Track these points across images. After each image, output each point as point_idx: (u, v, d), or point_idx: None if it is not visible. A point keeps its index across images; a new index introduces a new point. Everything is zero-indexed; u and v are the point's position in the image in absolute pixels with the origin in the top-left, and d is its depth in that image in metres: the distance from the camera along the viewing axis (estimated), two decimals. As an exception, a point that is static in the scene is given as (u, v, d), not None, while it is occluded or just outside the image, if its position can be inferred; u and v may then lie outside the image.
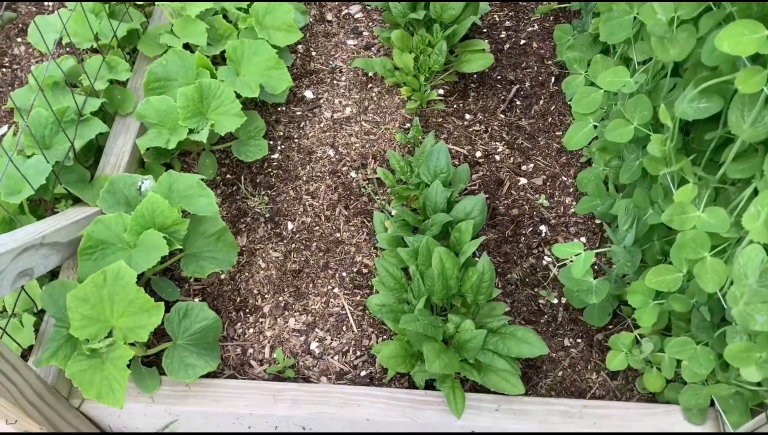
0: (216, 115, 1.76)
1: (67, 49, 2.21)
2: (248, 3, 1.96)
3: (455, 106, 2.14)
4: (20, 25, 2.31)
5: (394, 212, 1.84)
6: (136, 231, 1.49)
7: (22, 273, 1.27)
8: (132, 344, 1.43)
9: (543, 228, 1.84)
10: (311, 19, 2.37)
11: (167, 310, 1.49)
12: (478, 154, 2.01)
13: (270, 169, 1.98)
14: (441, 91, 2.17)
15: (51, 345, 1.35)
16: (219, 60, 2.01)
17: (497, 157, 2.00)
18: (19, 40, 2.27)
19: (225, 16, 1.97)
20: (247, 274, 1.78)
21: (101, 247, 1.46)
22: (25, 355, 1.54)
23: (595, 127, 1.61)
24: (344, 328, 1.70)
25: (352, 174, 1.98)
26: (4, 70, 2.19)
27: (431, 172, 1.78)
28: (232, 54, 1.85)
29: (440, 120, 2.11)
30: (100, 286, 1.34)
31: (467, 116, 2.11)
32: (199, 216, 1.58)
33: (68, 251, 1.46)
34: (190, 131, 1.73)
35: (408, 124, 2.10)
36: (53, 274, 1.59)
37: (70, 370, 1.31)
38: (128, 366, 1.34)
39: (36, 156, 1.54)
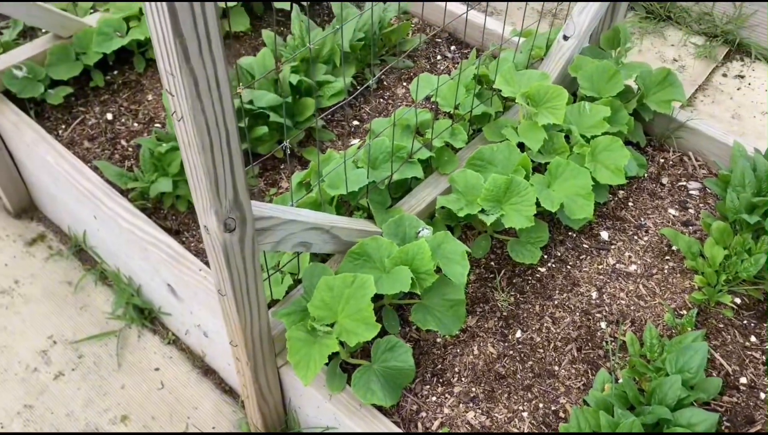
0: (510, 209, 1.90)
1: (427, 105, 2.60)
2: (592, 135, 2.08)
3: (745, 322, 1.96)
4: (411, 74, 2.78)
5: (620, 380, 1.76)
6: (395, 262, 1.70)
7: (303, 243, 1.56)
8: (341, 343, 1.62)
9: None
10: (646, 174, 2.40)
11: (381, 336, 1.66)
12: (743, 380, 1.81)
13: (530, 278, 2.06)
14: (737, 301, 2.00)
15: (290, 307, 1.62)
16: (540, 169, 2.17)
17: (761, 395, 1.78)
18: (404, 84, 2.74)
19: (567, 137, 2.12)
20: (458, 350, 1.87)
21: (365, 258, 1.70)
22: (270, 305, 1.85)
23: None
24: (512, 451, 1.68)
25: (602, 324, 1.95)
26: (381, 101, 2.66)
27: (676, 366, 1.67)
28: (553, 168, 1.98)
29: (720, 326, 1.95)
30: (347, 285, 1.57)
31: (753, 338, 1.92)
32: (447, 278, 1.73)
33: (341, 247, 1.72)
34: (483, 211, 1.90)
35: (684, 311, 1.98)
36: (322, 259, 1.89)
37: (290, 333, 1.55)
38: (329, 358, 1.54)
39: (362, 169, 1.86)
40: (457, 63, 2.82)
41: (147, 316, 2.34)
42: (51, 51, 2.39)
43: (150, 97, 2.56)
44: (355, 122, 2.55)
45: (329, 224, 1.63)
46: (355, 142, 2.47)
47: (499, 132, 2.17)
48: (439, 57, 2.86)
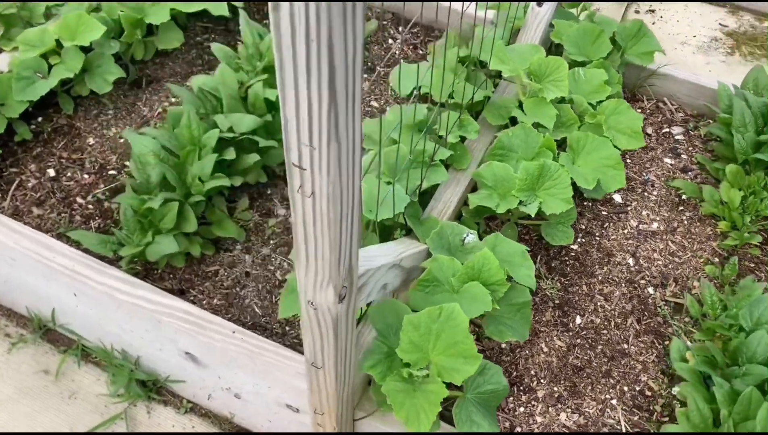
0: (545, 194, 1.81)
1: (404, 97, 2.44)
2: (597, 100, 2.03)
3: (773, 256, 2.02)
4: (368, 63, 2.60)
5: (690, 344, 1.75)
6: (463, 279, 1.57)
7: (383, 286, 1.38)
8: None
9: None
10: (629, 128, 2.39)
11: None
12: (793, 314, 1.86)
13: (566, 258, 2.00)
14: (759, 238, 2.05)
15: (372, 356, 1.45)
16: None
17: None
18: (365, 76, 2.55)
19: (572, 107, 2.05)
20: (527, 352, 1.78)
21: (434, 283, 1.55)
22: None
23: None
24: (616, 444, 1.62)
25: (650, 290, 1.93)
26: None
27: (752, 320, 1.68)
28: (573, 144, 1.91)
29: (752, 265, 2.00)
30: (433, 319, 1.42)
31: (784, 271, 1.98)
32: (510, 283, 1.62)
33: (405, 276, 1.56)
34: (520, 202, 1.80)
35: (717, 259, 2.01)
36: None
37: (386, 387, 1.39)
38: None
39: (396, 185, 1.69)
40: (412, 45, 2.67)
41: (152, 388, 2.06)
42: (-37, 109, 1.99)
43: (91, 142, 2.21)
44: (329, 127, 2.35)
45: (399, 256, 1.46)
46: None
47: (500, 114, 2.06)
48: (390, 41, 2.69)
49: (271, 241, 1.99)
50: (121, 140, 2.22)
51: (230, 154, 1.89)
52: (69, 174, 2.12)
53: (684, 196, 2.18)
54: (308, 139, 0.80)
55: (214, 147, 1.89)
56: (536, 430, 1.64)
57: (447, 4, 2.63)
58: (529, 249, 1.98)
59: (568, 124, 2.00)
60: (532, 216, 1.79)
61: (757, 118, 2.07)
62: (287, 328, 1.80)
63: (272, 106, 2.09)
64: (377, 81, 2.51)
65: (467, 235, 1.74)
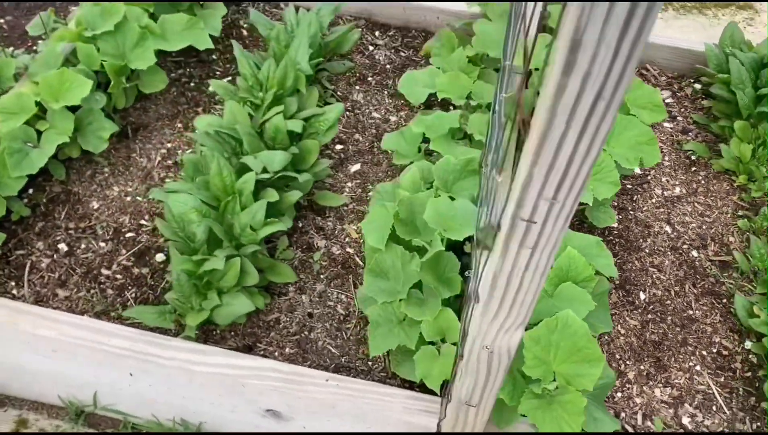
0: (595, 181, 1.84)
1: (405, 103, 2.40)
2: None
3: (788, 200, 2.15)
4: (357, 74, 2.53)
5: (755, 299, 1.85)
6: (554, 282, 1.58)
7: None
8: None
9: None
10: (622, 99, 2.47)
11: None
12: (824, 251, 2.00)
13: (611, 237, 2.04)
14: (772, 184, 2.18)
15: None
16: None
17: None
18: (357, 87, 2.48)
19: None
20: (607, 337, 1.82)
21: (533, 292, 1.54)
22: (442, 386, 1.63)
23: None
24: (714, 408, 1.69)
25: (693, 253, 2.01)
26: (348, 114, 2.40)
27: (807, 265, 1.78)
28: (604, 125, 1.95)
29: (772, 212, 2.12)
30: (552, 330, 1.42)
31: (802, 212, 2.12)
32: (595, 275, 1.65)
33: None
34: (573, 193, 1.82)
35: (740, 211, 2.12)
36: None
37: (523, 407, 1.37)
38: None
39: (463, 200, 1.66)
40: (393, 49, 2.62)
41: (219, 452, 1.95)
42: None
43: (95, 205, 2.04)
44: (338, 146, 2.28)
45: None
46: (356, 167, 2.21)
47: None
48: (371, 47, 2.63)
49: (322, 276, 1.92)
50: (128, 198, 2.06)
51: (273, 196, 1.79)
52: (83, 245, 1.95)
53: (693, 157, 2.28)
54: (553, 194, 0.76)
55: (253, 191, 1.79)
56: (639, 412, 1.68)
57: (424, 3, 2.61)
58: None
59: (590, 108, 2.04)
60: (590, 204, 1.81)
61: (751, 74, 2.19)
62: (371, 364, 1.75)
63: (293, 136, 2.00)
64: (371, 91, 2.46)
65: (534, 236, 1.74)
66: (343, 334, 1.81)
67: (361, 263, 1.95)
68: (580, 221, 2.03)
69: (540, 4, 1.52)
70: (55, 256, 1.92)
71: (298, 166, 2.01)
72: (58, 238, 1.96)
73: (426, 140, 2.05)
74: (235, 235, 1.75)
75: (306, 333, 1.80)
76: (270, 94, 2.05)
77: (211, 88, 2.29)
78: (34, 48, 2.49)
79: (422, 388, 1.66)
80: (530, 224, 0.81)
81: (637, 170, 2.23)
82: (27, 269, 1.88)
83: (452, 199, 1.72)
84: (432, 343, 1.61)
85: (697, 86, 2.51)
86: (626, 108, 2.01)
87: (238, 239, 1.75)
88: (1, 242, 1.84)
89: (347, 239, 2.01)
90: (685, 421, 1.67)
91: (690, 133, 2.36)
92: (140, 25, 2.10)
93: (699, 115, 2.39)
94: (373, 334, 1.64)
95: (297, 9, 2.55)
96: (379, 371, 1.73)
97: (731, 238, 2.05)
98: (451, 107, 2.18)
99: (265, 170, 1.84)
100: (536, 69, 0.77)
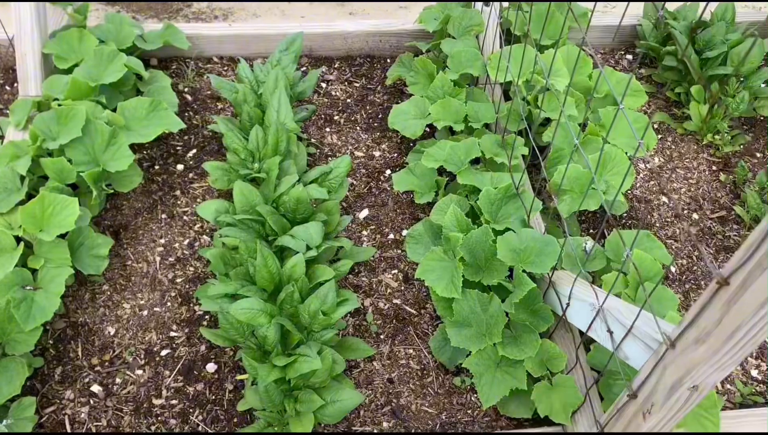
0: (614, 175, 1.94)
1: (393, 135, 2.36)
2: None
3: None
4: (322, 116, 2.44)
5: None
6: (634, 286, 1.65)
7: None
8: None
9: None
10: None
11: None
12: (794, 185, 2.25)
13: (624, 220, 2.16)
14: (742, 140, 2.40)
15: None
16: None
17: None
18: (327, 130, 2.40)
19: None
20: (661, 316, 1.93)
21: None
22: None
23: None
24: (771, 353, 1.87)
25: (695, 216, 2.18)
26: (330, 158, 2.31)
27: (804, 205, 2.00)
28: (605, 119, 2.05)
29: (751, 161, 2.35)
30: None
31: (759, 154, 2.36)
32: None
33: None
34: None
35: (714, 167, 2.33)
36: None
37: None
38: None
39: (527, 230, 1.68)
40: (350, 82, 2.56)
41: None
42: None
43: (111, 331, 1.82)
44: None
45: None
46: (364, 213, 2.15)
47: (514, 120, 2.12)
48: (323, 84, 2.55)
49: (382, 336, 1.86)
50: (144, 313, 1.86)
51: (328, 273, 1.70)
52: (118, 380, 1.74)
53: (655, 125, 2.46)
54: None
55: (305, 273, 1.69)
56: (717, 377, 1.81)
57: (363, 28, 2.56)
58: (593, 230, 2.11)
59: (580, 107, 2.13)
60: (621, 200, 1.90)
61: (688, 39, 2.39)
62: (470, 411, 1.73)
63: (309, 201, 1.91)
64: (343, 130, 2.39)
65: (586, 243, 1.81)
66: (430, 389, 1.77)
67: (413, 311, 1.91)
68: (593, 213, 2.12)
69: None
70: (92, 401, 1.70)
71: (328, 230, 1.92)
72: (87, 379, 1.73)
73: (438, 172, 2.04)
74: (304, 325, 1.65)
75: (395, 401, 1.74)
76: (268, 163, 1.92)
77: (181, 168, 2.11)
78: (-44, 168, 2.14)
79: (534, 422, 1.68)
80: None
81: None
82: (68, 427, 1.65)
83: (510, 229, 1.74)
84: (540, 377, 1.63)
85: (629, 57, 2.70)
86: (612, 98, 2.12)
87: (308, 328, 1.65)
88: (33, 408, 1.59)
89: (388, 290, 1.96)
90: (754, 373, 1.83)
91: (645, 104, 2.54)
92: (106, 121, 1.88)
93: (643, 84, 2.57)
94: (479, 384, 1.62)
95: (251, 64, 2.41)
96: (482, 416, 1.72)
97: (719, 194, 2.24)
98: (452, 132, 2.18)
99: (307, 247, 1.74)
100: None
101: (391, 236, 2.09)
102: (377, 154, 2.31)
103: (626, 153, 1.96)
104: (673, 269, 2.04)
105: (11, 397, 1.57)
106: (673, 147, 2.39)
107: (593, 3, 1.49)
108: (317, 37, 2.57)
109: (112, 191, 1.96)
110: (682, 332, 1.10)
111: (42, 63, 2.12)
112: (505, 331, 1.65)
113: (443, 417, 1.72)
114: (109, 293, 1.90)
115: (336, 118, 2.43)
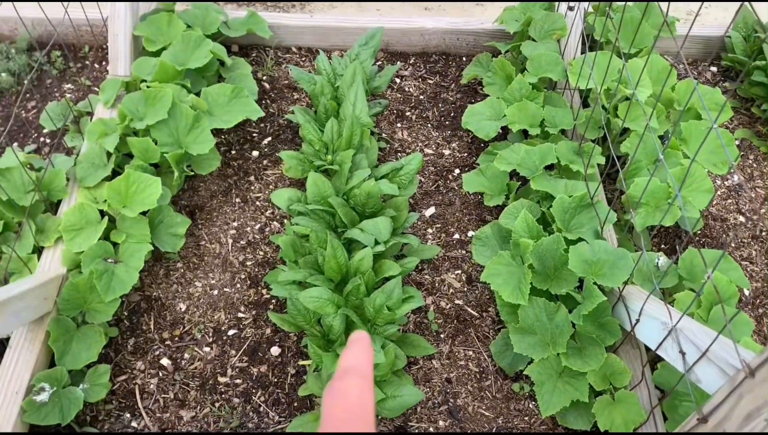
0: (692, 192, 1.89)
1: (464, 135, 2.36)
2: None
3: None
4: (394, 111, 2.46)
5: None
6: (707, 307, 1.61)
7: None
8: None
9: None
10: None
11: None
12: None
13: (698, 237, 2.11)
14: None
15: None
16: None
17: None
18: (399, 126, 2.41)
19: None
20: (730, 340, 1.88)
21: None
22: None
23: None
24: None
25: (739, 216, 2.11)
26: (399, 154, 2.33)
27: None
28: (686, 134, 2.00)
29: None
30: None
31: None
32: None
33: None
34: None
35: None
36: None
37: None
38: None
39: (600, 242, 1.66)
40: (424, 78, 2.56)
41: None
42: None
43: (183, 307, 1.89)
44: (405, 191, 2.21)
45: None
46: (431, 211, 2.15)
47: (593, 127, 2.08)
48: (398, 80, 2.56)
49: (442, 335, 1.87)
50: (215, 292, 1.92)
51: (394, 268, 1.72)
52: (186, 355, 1.81)
53: (737, 141, 2.38)
54: None
55: (372, 267, 1.72)
56: None
57: (440, 26, 2.56)
58: (663, 245, 2.06)
59: (661, 118, 2.08)
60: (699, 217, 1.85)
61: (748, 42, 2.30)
62: (527, 419, 1.73)
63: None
64: (414, 126, 2.39)
65: (658, 259, 1.77)
66: (487, 393, 1.78)
67: (475, 314, 1.92)
68: (676, 226, 2.07)
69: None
70: (161, 373, 1.77)
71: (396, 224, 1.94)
72: (157, 352, 1.81)
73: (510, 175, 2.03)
74: (368, 318, 1.67)
75: (452, 401, 1.75)
76: (342, 156, 1.95)
77: (256, 154, 2.16)
78: (46, 143, 2.26)
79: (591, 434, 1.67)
80: None
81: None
82: (138, 396, 1.73)
83: (582, 239, 1.72)
84: (601, 391, 1.61)
85: (714, 69, 2.61)
86: (695, 112, 2.06)
87: (372, 321, 1.67)
88: (108, 376, 1.68)
89: (451, 290, 1.97)
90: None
91: (733, 121, 2.45)
92: (190, 105, 1.94)
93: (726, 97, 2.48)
94: (540, 392, 1.61)
95: (329, 56, 2.45)
96: (539, 424, 1.72)
97: (800, 217, 2.16)
98: (525, 135, 2.17)
99: (376, 242, 1.77)
100: None
101: (457, 236, 2.09)
102: (447, 152, 2.32)
103: (705, 169, 1.90)
104: (746, 292, 1.98)
105: (88, 363, 1.66)
106: (755, 165, 2.31)
107: (686, 3, 1.45)
108: (394, 33, 2.59)
109: (192, 173, 2.03)
110: (765, 361, 1.08)
111: (132, 44, 2.20)
112: (570, 341, 1.64)
113: (500, 421, 1.72)
114: (182, 271, 1.97)
115: (408, 114, 2.44)
